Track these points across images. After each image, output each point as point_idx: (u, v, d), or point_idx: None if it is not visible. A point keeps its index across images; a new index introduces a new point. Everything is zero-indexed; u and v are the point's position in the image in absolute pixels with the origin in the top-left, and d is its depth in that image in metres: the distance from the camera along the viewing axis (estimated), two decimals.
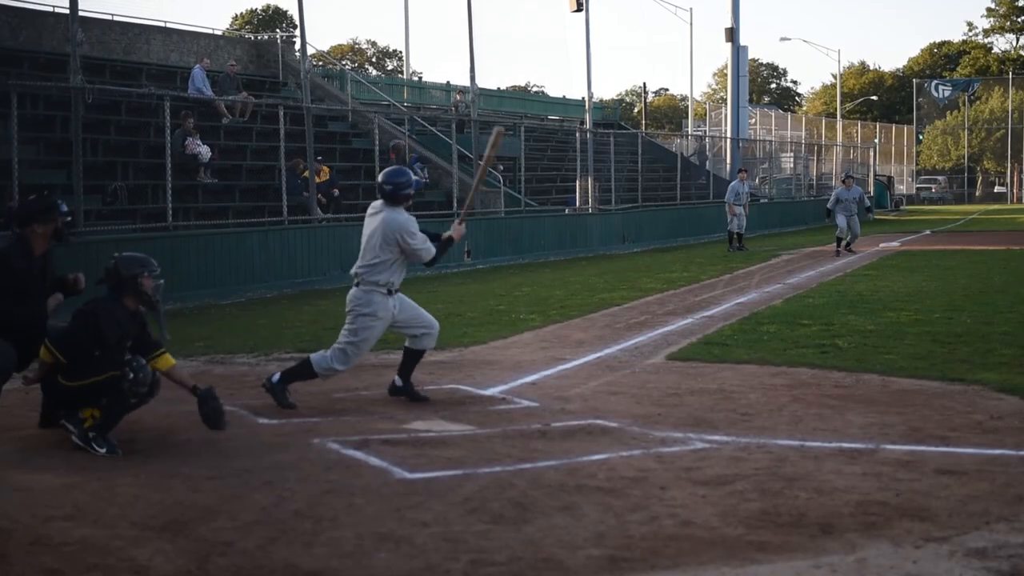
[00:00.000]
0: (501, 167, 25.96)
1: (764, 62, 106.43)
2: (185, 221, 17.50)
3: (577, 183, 28.81)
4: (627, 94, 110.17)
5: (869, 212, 25.08)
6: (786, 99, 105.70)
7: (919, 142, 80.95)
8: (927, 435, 6.93)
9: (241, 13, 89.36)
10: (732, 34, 39.99)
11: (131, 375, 6.80)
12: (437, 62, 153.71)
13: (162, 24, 26.16)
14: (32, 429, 7.32)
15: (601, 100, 54.44)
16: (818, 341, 10.95)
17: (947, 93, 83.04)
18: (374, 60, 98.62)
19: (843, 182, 26.69)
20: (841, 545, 4.89)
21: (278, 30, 54.42)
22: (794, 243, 29.18)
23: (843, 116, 71.11)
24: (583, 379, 9.20)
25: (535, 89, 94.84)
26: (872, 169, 53.48)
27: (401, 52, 53.23)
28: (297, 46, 26.63)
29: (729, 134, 40.83)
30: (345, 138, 25.29)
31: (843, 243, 24.59)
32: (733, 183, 27.79)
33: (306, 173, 19.64)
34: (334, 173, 21.48)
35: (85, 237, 14.76)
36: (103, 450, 6.73)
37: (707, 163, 40.11)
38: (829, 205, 25.71)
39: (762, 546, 4.88)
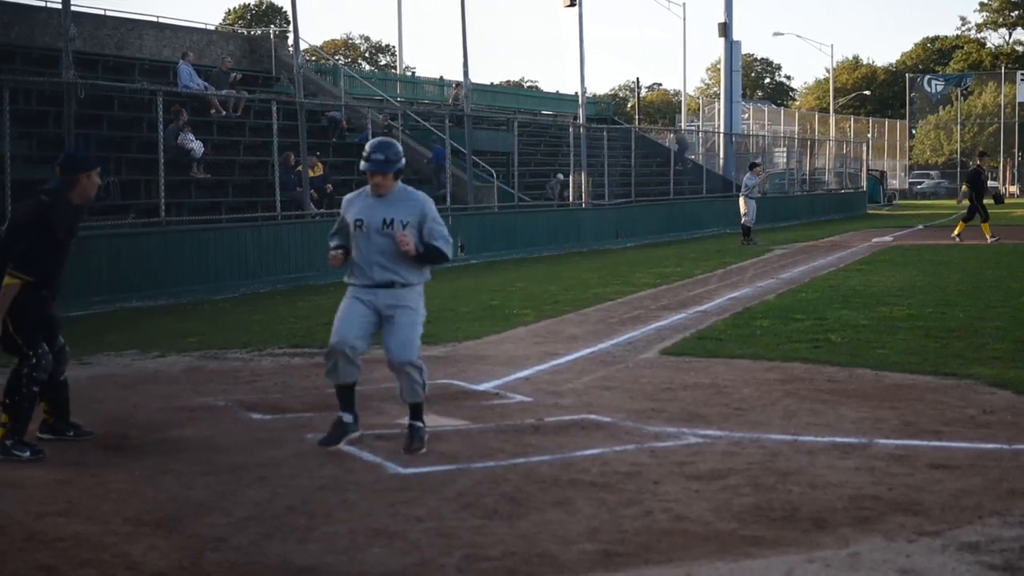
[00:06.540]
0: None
1: (758, 57, 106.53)
2: (178, 216, 17.46)
3: (571, 178, 28.80)
4: (620, 89, 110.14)
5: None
6: (779, 94, 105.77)
7: (912, 137, 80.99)
8: (920, 430, 6.95)
9: (234, 8, 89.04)
10: (725, 29, 40.03)
11: (35, 360, 6.46)
12: (430, 57, 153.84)
13: (155, 19, 26.18)
14: None
15: (595, 95, 54.46)
16: (811, 336, 10.95)
17: (940, 88, 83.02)
18: (367, 55, 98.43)
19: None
20: (834, 540, 4.90)
21: (271, 25, 54.34)
22: (787, 238, 29.17)
23: (836, 111, 71.12)
24: (577, 374, 9.19)
25: (528, 84, 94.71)
26: (865, 164, 53.50)
27: (394, 47, 53.31)
28: (290, 41, 26.54)
29: (722, 129, 40.82)
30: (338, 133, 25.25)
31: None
32: (746, 177, 27.80)
33: (299, 167, 19.61)
34: (327, 168, 21.46)
35: (77, 233, 14.72)
36: (26, 454, 6.39)
37: (691, 155, 39.90)
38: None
39: (755, 541, 4.89)
